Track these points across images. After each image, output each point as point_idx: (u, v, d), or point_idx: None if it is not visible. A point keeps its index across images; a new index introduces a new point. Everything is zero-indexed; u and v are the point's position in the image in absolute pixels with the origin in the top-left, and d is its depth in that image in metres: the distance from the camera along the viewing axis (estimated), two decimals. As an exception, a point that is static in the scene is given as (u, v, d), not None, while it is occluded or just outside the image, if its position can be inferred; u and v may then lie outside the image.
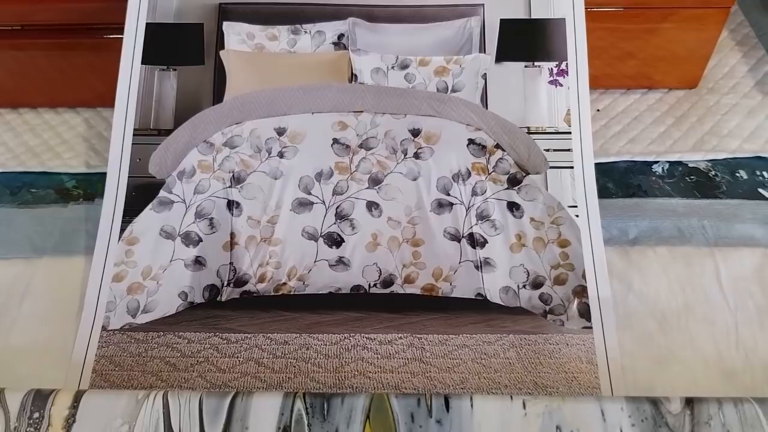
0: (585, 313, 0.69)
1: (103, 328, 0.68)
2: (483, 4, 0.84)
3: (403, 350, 0.67)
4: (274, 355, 0.67)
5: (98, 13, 0.83)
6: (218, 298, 0.72)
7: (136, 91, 0.78)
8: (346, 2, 0.83)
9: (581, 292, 0.70)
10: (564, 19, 0.80)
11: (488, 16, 0.83)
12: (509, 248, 0.73)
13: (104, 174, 0.76)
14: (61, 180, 0.87)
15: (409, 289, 0.72)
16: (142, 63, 0.78)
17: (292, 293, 0.72)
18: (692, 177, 0.85)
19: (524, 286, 0.71)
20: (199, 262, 0.73)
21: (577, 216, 0.73)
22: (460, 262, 0.73)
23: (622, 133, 0.91)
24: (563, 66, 0.80)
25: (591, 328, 0.68)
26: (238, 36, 0.83)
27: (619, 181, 0.85)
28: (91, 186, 0.85)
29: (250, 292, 0.72)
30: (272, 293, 0.72)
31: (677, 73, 0.95)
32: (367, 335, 0.68)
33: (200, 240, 0.73)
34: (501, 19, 0.83)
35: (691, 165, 0.87)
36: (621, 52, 0.92)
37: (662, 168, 0.87)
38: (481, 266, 0.73)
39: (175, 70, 0.81)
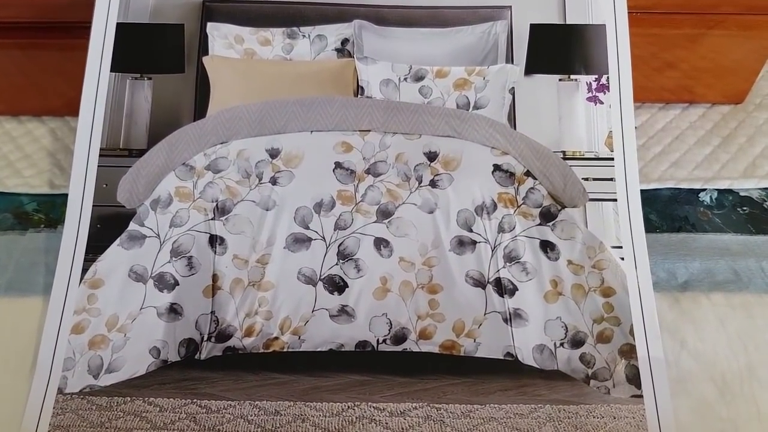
0: (634, 378, 0.59)
1: (59, 391, 0.59)
2: (510, 7, 0.76)
3: (419, 424, 0.58)
4: (263, 428, 0.57)
5: (67, 10, 0.75)
6: (197, 356, 0.63)
7: (104, 103, 0.68)
8: (350, 2, 0.75)
9: (629, 351, 0.60)
10: (604, 25, 0.70)
11: (516, 20, 0.76)
12: (543, 297, 0.63)
13: (70, 196, 0.67)
14: (21, 202, 0.79)
15: (426, 347, 0.63)
16: (112, 70, 0.69)
17: (285, 350, 0.63)
18: (744, 208, 0.77)
19: (562, 344, 0.61)
20: (174, 311, 0.63)
21: (623, 259, 0.64)
22: (485, 314, 0.63)
23: (663, 154, 0.82)
24: (603, 80, 0.69)
25: (641, 396, 0.59)
26: (224, 39, 0.75)
27: (663, 212, 0.76)
28: (54, 210, 0.78)
29: (234, 348, 0.63)
30: (261, 350, 0.63)
31: (722, 86, 0.87)
32: (375, 404, 0.59)
33: (176, 283, 0.64)
34: (531, 25, 0.75)
35: (742, 194, 0.79)
36: (661, 62, 0.83)
37: (710, 197, 0.78)
38: (510, 319, 0.62)
39: (150, 78, 0.74)
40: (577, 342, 0.61)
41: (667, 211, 0.76)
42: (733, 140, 0.84)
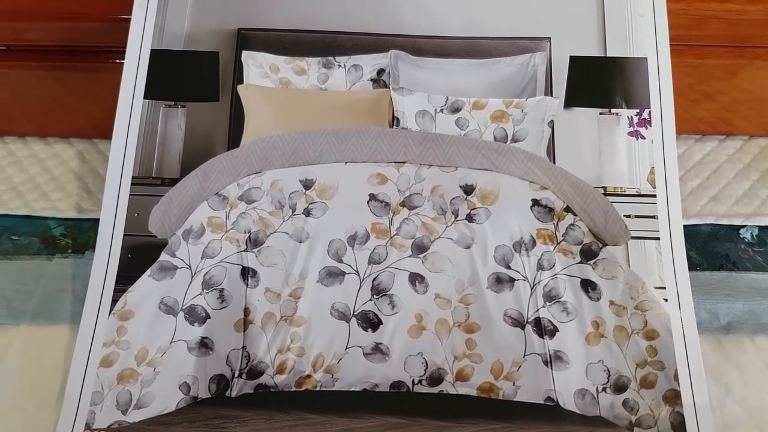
0: (679, 425, 0.57)
1: (87, 427, 0.58)
2: (549, 38, 0.75)
3: (457, 470, 0.55)
4: (295, 471, 0.55)
5: (95, 35, 0.75)
6: (227, 393, 0.61)
7: (137, 131, 0.67)
8: (387, 32, 0.74)
9: (674, 398, 0.58)
10: (645, 58, 0.68)
11: (556, 52, 0.74)
12: (585, 339, 0.61)
13: (97, 221, 0.66)
14: (48, 226, 0.77)
15: (463, 389, 0.60)
16: (145, 97, 0.68)
17: (317, 389, 0.61)
18: (786, 246, 0.74)
19: (604, 389, 0.59)
20: (205, 345, 0.62)
21: (666, 300, 0.61)
22: (524, 355, 0.61)
23: (701, 189, 0.80)
24: (645, 115, 0.68)
25: (687, 445, 0.56)
26: (259, 68, 0.75)
27: (703, 249, 0.74)
28: (81, 235, 0.76)
29: (266, 386, 0.61)
30: (293, 388, 0.61)
31: (759, 118, 0.85)
32: (411, 448, 0.57)
33: (207, 317, 0.62)
34: (571, 57, 0.73)
35: (784, 231, 0.76)
36: (698, 94, 0.82)
37: (751, 234, 0.76)
38: (550, 361, 0.60)
39: (183, 106, 0.73)
40: (620, 387, 0.59)
41: (708, 248, 0.74)
42: (772, 175, 0.82)
